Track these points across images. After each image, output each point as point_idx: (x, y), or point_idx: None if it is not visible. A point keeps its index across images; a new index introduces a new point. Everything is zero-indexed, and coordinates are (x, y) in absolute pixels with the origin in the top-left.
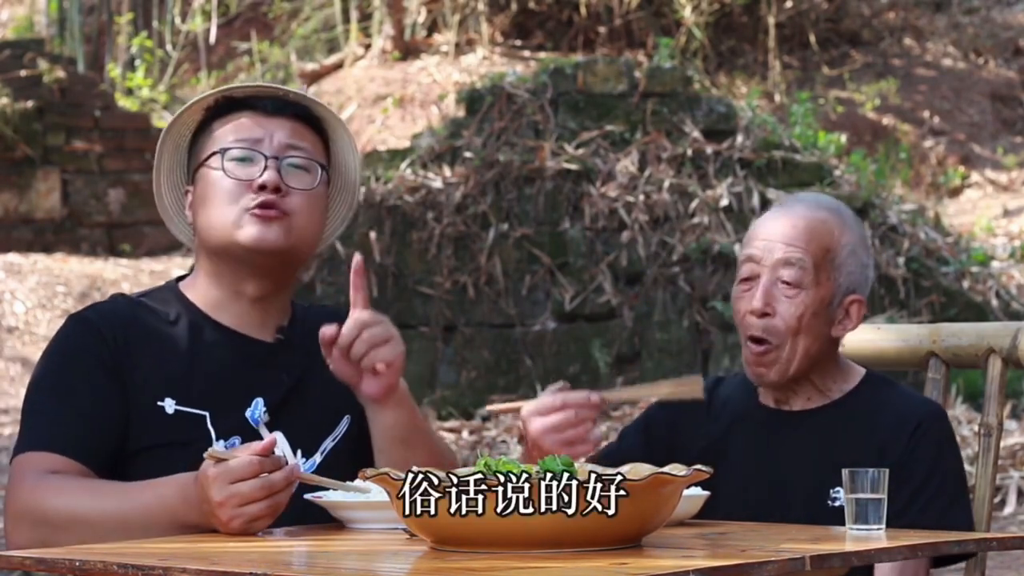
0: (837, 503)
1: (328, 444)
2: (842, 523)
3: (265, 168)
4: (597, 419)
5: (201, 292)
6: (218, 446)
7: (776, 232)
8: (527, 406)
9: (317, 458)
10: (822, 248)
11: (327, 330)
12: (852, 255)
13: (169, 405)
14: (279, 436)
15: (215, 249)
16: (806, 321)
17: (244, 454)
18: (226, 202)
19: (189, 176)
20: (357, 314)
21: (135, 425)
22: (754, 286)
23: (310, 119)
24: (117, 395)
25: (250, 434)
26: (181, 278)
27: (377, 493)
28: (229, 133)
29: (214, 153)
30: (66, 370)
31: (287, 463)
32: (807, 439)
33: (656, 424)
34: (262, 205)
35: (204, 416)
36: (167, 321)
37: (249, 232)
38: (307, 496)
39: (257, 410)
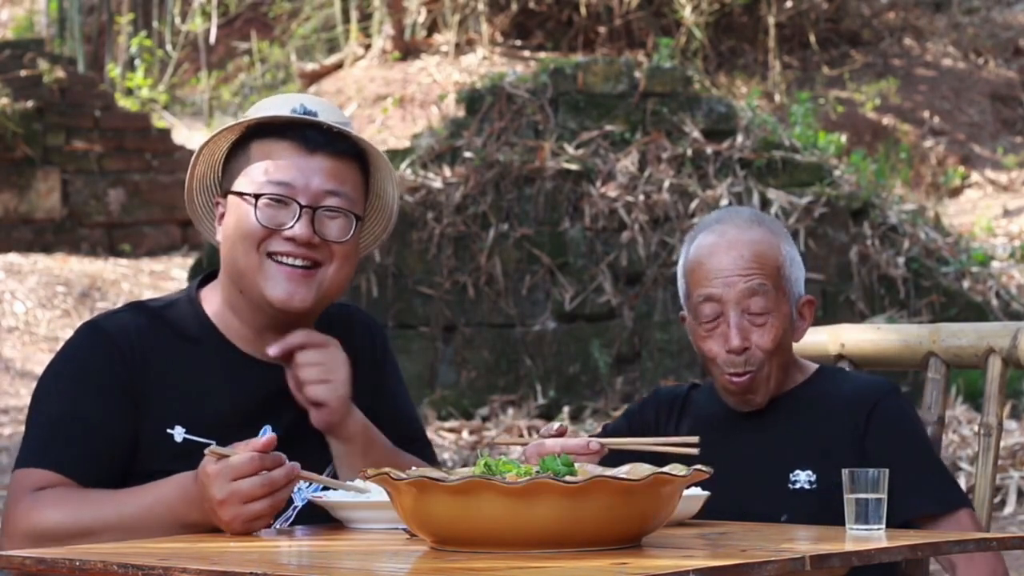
0: (797, 485)
1: (330, 469)
2: (803, 505)
3: (298, 217)
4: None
5: (219, 311)
6: None
7: (728, 266)
8: (531, 445)
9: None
10: (774, 267)
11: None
12: (792, 262)
13: (178, 433)
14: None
15: (240, 287)
16: (779, 341)
17: (244, 451)
18: (253, 244)
19: (221, 187)
20: (300, 338)
21: (143, 449)
22: (720, 323)
23: (349, 150)
24: (127, 416)
25: None
26: (204, 280)
27: (377, 493)
28: (264, 169)
29: (245, 194)
30: (77, 383)
31: (286, 460)
32: (767, 428)
33: (638, 422)
34: (291, 259)
35: (211, 444)
36: (185, 340)
37: (277, 291)
38: (308, 496)
39: (264, 436)
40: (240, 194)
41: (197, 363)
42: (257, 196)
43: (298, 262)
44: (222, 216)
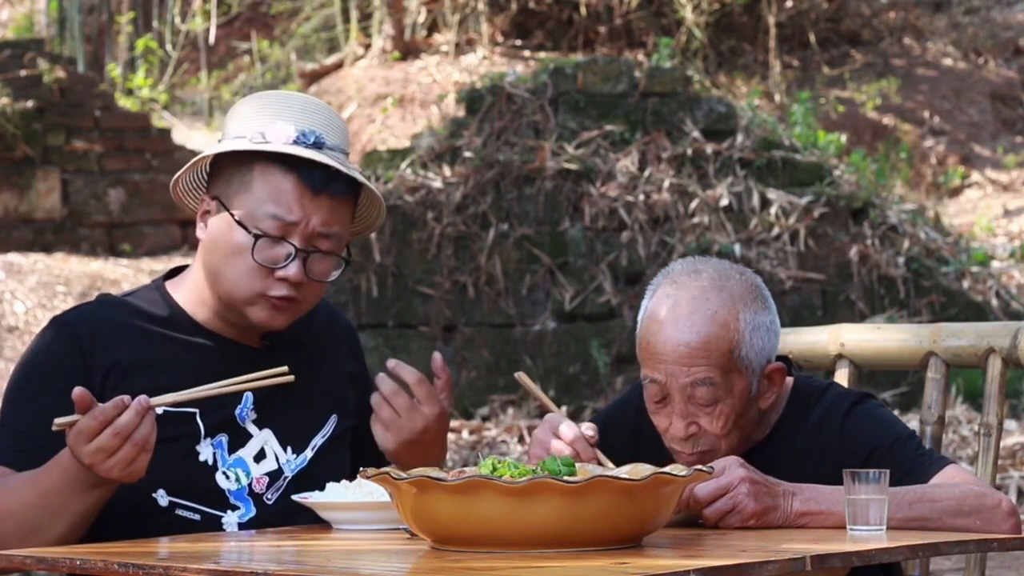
0: None
1: (318, 441)
2: None
3: (292, 258)
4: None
5: (191, 300)
6: (206, 442)
7: (671, 353)
8: (556, 419)
9: (308, 454)
10: (724, 353)
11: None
12: (755, 332)
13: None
14: (268, 433)
15: (218, 293)
16: (732, 423)
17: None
18: (245, 275)
19: (210, 184)
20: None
21: None
22: (668, 404)
23: (350, 190)
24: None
25: (238, 431)
26: (169, 275)
27: (352, 492)
28: (267, 200)
29: (244, 226)
30: (39, 381)
31: (130, 402)
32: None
33: (615, 421)
34: (280, 298)
35: (194, 412)
36: (154, 323)
37: (259, 316)
38: (294, 497)
39: (245, 407)
40: (238, 222)
41: (169, 341)
42: (257, 236)
43: (285, 300)
44: (205, 214)
